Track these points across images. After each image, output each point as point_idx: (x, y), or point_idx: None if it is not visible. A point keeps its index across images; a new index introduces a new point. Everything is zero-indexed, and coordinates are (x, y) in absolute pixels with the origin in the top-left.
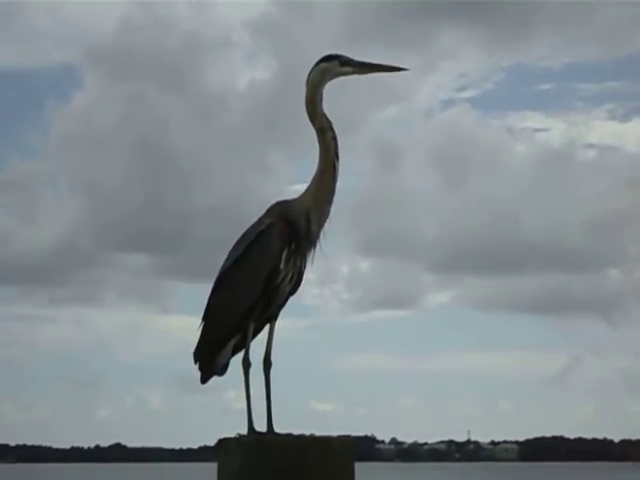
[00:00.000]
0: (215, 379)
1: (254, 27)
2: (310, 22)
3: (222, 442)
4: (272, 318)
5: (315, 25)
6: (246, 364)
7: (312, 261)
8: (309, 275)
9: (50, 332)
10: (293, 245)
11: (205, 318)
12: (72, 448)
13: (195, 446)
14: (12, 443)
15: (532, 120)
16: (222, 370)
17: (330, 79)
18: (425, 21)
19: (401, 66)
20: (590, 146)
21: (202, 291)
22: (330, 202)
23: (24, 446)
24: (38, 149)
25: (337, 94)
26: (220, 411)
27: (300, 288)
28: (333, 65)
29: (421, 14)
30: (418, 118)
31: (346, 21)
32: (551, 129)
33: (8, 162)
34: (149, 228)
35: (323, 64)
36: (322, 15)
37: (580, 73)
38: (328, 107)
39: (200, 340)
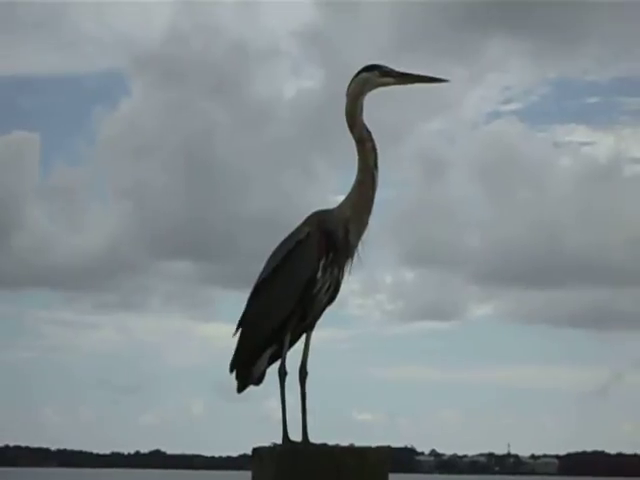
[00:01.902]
0: (255, 388)
1: (301, 36)
2: (357, 31)
3: (257, 451)
4: (308, 328)
5: (362, 35)
6: (282, 373)
7: (350, 272)
8: (353, 285)
9: (94, 337)
10: (331, 255)
11: (241, 327)
12: (112, 453)
13: (235, 454)
14: (53, 448)
15: (578, 134)
16: (258, 380)
17: (370, 90)
18: (472, 31)
19: (442, 77)
20: (636, 161)
21: (246, 300)
22: (369, 212)
23: (65, 451)
24: (84, 155)
25: (383, 105)
26: (260, 420)
27: (337, 299)
28: (373, 75)
29: (469, 24)
30: (463, 130)
31: (394, 31)
32: (597, 143)
33: (54, 168)
34: (194, 236)
35: (363, 74)
36: (369, 25)
37: (626, 87)
38: (375, 117)
39: (237, 349)
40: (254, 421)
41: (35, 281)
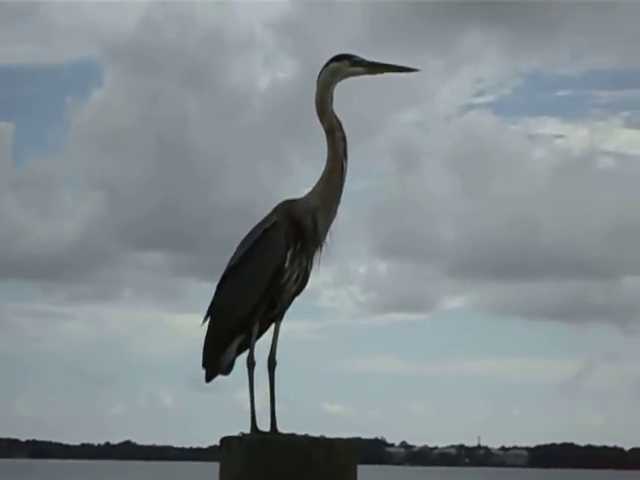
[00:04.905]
0: (227, 380)
1: (275, 27)
2: (332, 23)
3: (225, 440)
4: (277, 318)
5: (337, 26)
6: (250, 363)
7: (319, 262)
8: (325, 276)
9: (66, 328)
10: (299, 245)
11: (210, 316)
12: (82, 445)
13: (205, 445)
14: (23, 438)
15: (550, 126)
16: (227, 369)
17: (340, 79)
18: (447, 23)
19: (412, 67)
20: (608, 153)
21: None
22: (337, 202)
23: (34, 442)
24: (57, 145)
25: (358, 97)
26: (231, 411)
27: (309, 290)
28: (344, 65)
29: (444, 16)
30: (437, 122)
31: (369, 22)
32: (569, 135)
33: (27, 158)
34: (167, 226)
35: (334, 64)
36: (344, 16)
37: (598, 80)
38: (349, 109)
39: (205, 338)
40: (226, 412)
41: (8, 272)
